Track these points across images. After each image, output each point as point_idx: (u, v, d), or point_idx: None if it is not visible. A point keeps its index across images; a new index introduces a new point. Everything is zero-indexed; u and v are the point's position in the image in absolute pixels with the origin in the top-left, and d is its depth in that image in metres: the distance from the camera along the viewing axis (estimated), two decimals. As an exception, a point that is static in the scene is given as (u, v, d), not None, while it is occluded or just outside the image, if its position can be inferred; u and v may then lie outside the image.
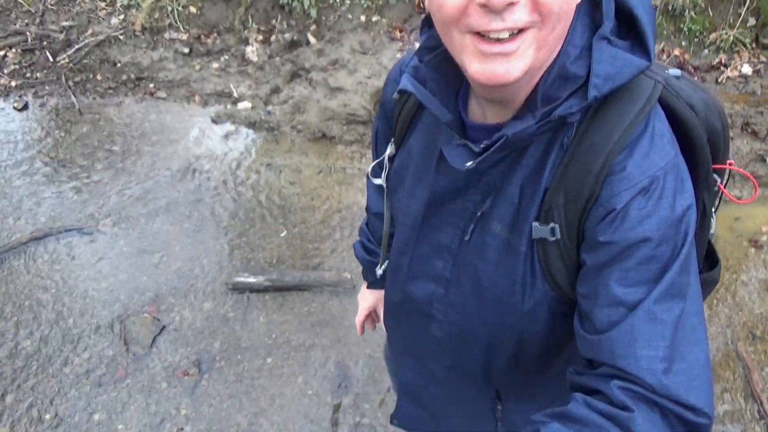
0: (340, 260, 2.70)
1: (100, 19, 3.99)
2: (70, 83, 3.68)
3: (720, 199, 1.00)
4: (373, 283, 1.37)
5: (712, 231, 1.01)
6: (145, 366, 2.28)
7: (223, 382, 2.24)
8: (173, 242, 2.77)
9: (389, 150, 1.03)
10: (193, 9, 3.95)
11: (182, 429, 2.09)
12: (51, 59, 3.78)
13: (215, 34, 3.96)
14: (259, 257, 2.73)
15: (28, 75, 3.73)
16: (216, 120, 3.54)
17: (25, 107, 3.57)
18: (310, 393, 2.22)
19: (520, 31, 0.68)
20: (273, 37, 3.93)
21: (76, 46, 3.81)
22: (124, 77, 3.76)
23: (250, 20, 3.97)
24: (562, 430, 0.71)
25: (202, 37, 3.93)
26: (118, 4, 4.02)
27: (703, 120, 0.87)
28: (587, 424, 0.70)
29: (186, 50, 3.88)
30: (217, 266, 2.67)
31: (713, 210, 0.98)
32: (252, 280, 2.55)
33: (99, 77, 3.76)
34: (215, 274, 2.64)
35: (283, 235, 2.84)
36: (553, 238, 0.80)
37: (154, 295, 2.53)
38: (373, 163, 1.12)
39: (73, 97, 3.60)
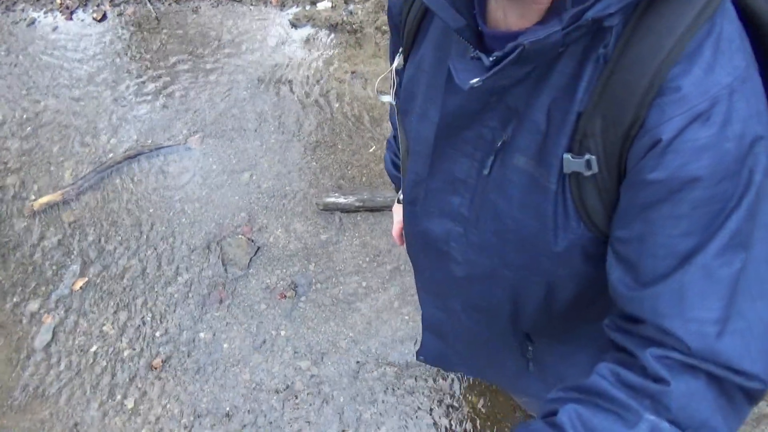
0: (432, 178, 2.55)
1: None
2: (145, -12, 3.54)
3: None
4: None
5: None
6: (243, 287, 2.31)
7: (320, 305, 2.24)
8: (261, 159, 2.71)
9: (397, 61, 0.87)
10: None
11: (284, 349, 2.14)
12: (124, -37, 3.62)
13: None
14: (348, 174, 2.62)
15: (104, -19, 3.61)
16: (295, 23, 3.33)
17: (104, 17, 3.49)
18: (407, 318, 2.18)
19: None
20: (351, -76, 3.54)
21: (147, -53, 3.61)
22: (198, -21, 3.57)
23: None
24: (580, 411, 0.63)
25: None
26: None
27: None
28: (611, 400, 0.63)
29: (259, -56, 3.59)
30: (307, 185, 2.60)
31: None
32: (342, 200, 2.46)
33: (173, -20, 3.58)
34: (305, 193, 2.57)
35: (371, 150, 2.70)
36: (589, 172, 0.65)
37: (247, 216, 2.52)
38: (380, 77, 0.94)
39: (149, 5, 3.47)
